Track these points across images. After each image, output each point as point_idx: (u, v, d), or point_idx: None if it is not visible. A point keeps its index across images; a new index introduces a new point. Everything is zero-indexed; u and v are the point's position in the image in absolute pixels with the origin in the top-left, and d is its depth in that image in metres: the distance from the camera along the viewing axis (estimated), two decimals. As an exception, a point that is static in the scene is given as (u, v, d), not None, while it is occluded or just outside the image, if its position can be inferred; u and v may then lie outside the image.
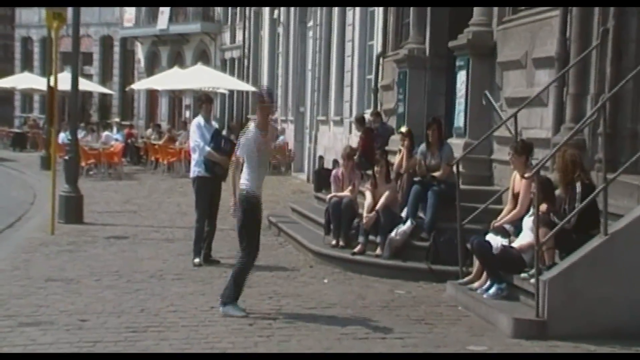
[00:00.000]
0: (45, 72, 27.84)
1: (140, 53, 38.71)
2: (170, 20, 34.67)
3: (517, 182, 8.23)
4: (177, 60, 34.91)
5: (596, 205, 7.06)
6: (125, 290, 8.11)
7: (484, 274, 7.89)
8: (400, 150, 10.86)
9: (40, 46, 42.07)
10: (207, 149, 9.45)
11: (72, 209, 12.62)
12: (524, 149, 8.16)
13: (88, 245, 10.71)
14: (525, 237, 7.58)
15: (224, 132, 17.79)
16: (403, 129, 11.14)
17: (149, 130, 29.17)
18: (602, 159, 7.43)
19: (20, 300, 7.54)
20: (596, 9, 8.43)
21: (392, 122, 13.83)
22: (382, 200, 9.68)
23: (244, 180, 7.29)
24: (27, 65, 41.33)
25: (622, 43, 8.19)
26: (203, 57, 33.36)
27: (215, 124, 9.99)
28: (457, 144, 10.35)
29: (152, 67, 37.19)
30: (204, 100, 9.99)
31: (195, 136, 9.56)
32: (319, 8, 20.21)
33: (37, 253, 10.10)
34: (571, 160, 7.25)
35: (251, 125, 7.42)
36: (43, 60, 38.91)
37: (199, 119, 9.72)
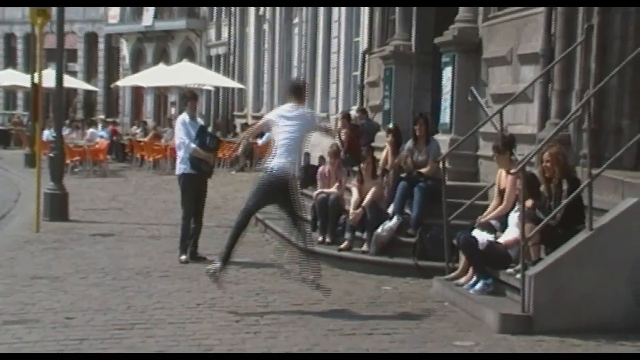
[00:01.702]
0: (29, 69, 27.64)
1: (125, 50, 38.57)
2: (156, 17, 34.57)
3: (502, 178, 8.25)
4: (162, 57, 34.78)
5: (581, 200, 7.10)
6: (111, 287, 8.08)
7: (470, 269, 7.92)
8: (386, 147, 10.87)
9: (24, 43, 41.80)
10: (193, 146, 9.42)
11: (57, 207, 12.56)
12: (505, 146, 8.17)
13: (73, 243, 10.67)
14: (511, 233, 7.61)
15: (210, 129, 17.77)
16: (390, 126, 11.16)
17: (134, 127, 29.09)
18: (587, 154, 7.47)
19: (6, 299, 7.50)
20: (581, 6, 8.47)
21: (378, 118, 13.86)
22: (368, 196, 9.69)
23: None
24: (10, 62, 41.09)
25: (607, 39, 8.23)
26: (188, 53, 33.28)
27: (200, 121, 9.95)
28: (443, 140, 10.38)
29: (137, 64, 37.06)
30: (189, 97, 9.95)
31: (181, 133, 9.52)
32: (304, 5, 20.21)
33: (22, 251, 10.04)
34: (562, 154, 7.30)
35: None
36: (26, 57, 38.67)
37: (184, 116, 9.68)
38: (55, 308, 7.17)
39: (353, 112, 14.92)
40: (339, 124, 14.04)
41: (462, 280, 7.95)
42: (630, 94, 8.26)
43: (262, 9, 25.29)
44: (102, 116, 32.56)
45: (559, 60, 8.59)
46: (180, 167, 9.59)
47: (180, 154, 9.62)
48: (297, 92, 7.82)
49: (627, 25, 8.23)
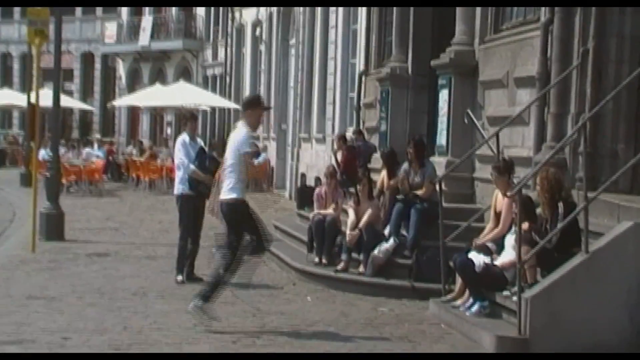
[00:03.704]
0: (25, 88, 27.72)
1: (121, 70, 38.63)
2: (152, 37, 34.65)
3: (499, 200, 8.29)
4: (158, 77, 34.85)
5: (577, 223, 7.13)
6: (107, 308, 8.06)
7: (467, 291, 7.93)
8: (382, 168, 10.89)
9: (20, 62, 41.87)
10: (192, 167, 9.43)
11: (53, 226, 12.54)
12: (506, 169, 8.22)
13: (69, 263, 10.64)
14: (508, 255, 7.64)
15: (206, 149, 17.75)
16: (385, 148, 11.19)
17: (130, 147, 29.11)
18: (583, 177, 7.52)
19: (1, 319, 7.46)
20: (576, 30, 8.56)
21: (374, 140, 13.90)
22: (365, 218, 9.71)
23: (231, 187, 7.31)
24: (6, 81, 41.10)
25: (602, 64, 8.31)
26: (185, 74, 33.34)
27: (200, 142, 9.98)
28: (439, 162, 10.42)
29: (134, 84, 37.11)
30: (188, 117, 9.99)
31: (180, 154, 9.54)
32: (301, 26, 20.31)
33: (17, 271, 10.02)
34: (555, 179, 7.33)
35: (244, 127, 7.47)
36: (23, 76, 38.72)
37: (184, 137, 9.70)
38: (51, 328, 7.15)
39: (349, 134, 14.97)
40: (335, 145, 14.09)
41: (459, 302, 7.96)
42: (625, 118, 8.33)
43: (258, 29, 25.41)
44: (98, 136, 32.58)
45: (554, 84, 8.66)
46: (179, 187, 9.60)
47: (179, 174, 9.63)
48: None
49: (622, 50, 8.32)
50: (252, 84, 26.38)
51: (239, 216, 7.41)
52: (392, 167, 10.52)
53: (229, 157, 7.52)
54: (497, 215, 8.25)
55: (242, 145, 7.41)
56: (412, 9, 12.46)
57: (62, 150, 20.86)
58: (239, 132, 7.58)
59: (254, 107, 7.69)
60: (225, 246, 7.51)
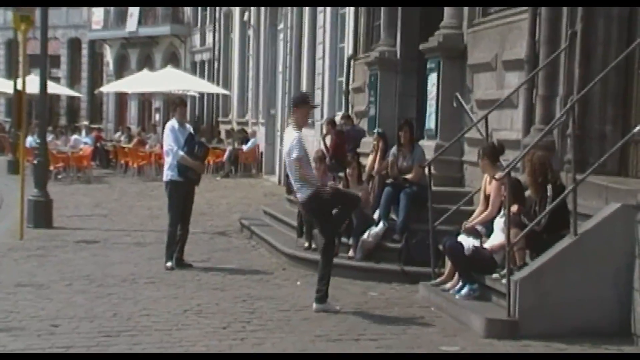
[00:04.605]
0: (11, 74, 27.49)
1: (109, 56, 38.43)
2: (140, 22, 34.47)
3: (488, 183, 8.30)
4: (146, 62, 34.68)
5: (566, 205, 7.15)
6: (97, 294, 8.04)
7: (456, 274, 7.95)
8: (372, 152, 10.89)
9: (5, 48, 41.57)
10: (181, 153, 9.39)
11: (42, 214, 12.48)
12: (488, 153, 8.15)
13: (58, 250, 10.61)
14: (497, 238, 7.65)
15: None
16: (379, 130, 11.17)
17: (118, 133, 29.00)
18: (571, 160, 7.53)
19: (-10, 306, 7.45)
20: (564, 12, 8.55)
21: (363, 124, 13.89)
22: (354, 202, 9.69)
23: (297, 189, 7.76)
24: (-9, 68, 40.84)
25: (590, 46, 8.30)
26: (173, 59, 33.21)
27: (189, 128, 9.92)
28: (428, 146, 10.42)
29: (121, 70, 36.93)
30: (178, 103, 9.91)
31: (169, 140, 9.49)
32: (289, 10, 20.22)
33: (5, 258, 9.97)
34: (540, 162, 7.33)
35: (293, 131, 7.79)
36: (8, 62, 38.45)
37: (173, 122, 9.63)
38: (40, 316, 7.13)
39: (338, 118, 14.95)
40: (324, 130, 14.06)
41: (448, 285, 7.98)
42: (613, 100, 8.33)
43: (246, 14, 25.29)
44: (85, 122, 32.41)
45: (543, 66, 8.65)
46: (168, 174, 9.55)
47: (168, 160, 9.57)
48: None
49: (610, 32, 8.31)
50: (241, 69, 26.29)
51: (317, 211, 7.82)
52: (385, 148, 10.53)
53: (286, 159, 7.94)
54: (487, 198, 8.26)
55: (292, 150, 7.70)
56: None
57: (49, 137, 20.70)
58: (289, 137, 7.88)
59: (301, 105, 8.00)
60: (321, 236, 7.94)
